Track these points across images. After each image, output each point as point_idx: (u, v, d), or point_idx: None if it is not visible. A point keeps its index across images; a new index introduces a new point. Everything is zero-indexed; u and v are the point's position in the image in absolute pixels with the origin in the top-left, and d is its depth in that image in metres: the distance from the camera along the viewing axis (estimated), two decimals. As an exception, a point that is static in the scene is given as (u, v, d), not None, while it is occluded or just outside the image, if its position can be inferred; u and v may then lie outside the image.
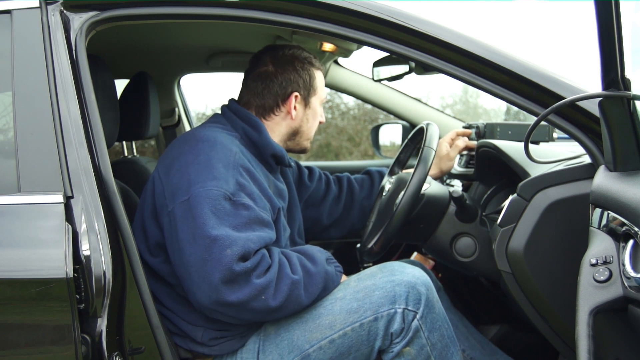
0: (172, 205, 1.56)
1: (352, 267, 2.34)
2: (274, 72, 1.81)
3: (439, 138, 1.96)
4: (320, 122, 1.92)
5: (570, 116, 1.48)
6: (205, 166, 1.57)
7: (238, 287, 1.48)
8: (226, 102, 1.85)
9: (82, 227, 1.37)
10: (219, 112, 1.85)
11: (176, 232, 1.54)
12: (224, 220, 1.50)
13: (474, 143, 2.16)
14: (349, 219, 2.18)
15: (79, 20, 1.50)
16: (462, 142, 2.19)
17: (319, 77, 1.87)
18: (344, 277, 1.71)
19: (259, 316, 1.55)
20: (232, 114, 1.80)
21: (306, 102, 1.84)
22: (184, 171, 1.58)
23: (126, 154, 2.72)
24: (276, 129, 1.83)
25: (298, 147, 1.89)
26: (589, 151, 1.48)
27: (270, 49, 1.87)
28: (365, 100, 3.03)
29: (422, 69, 2.42)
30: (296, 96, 1.81)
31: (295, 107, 1.82)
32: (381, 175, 2.23)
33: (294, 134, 1.85)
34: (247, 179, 1.61)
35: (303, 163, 2.24)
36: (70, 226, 1.35)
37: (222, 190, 1.53)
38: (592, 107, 1.43)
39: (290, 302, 1.55)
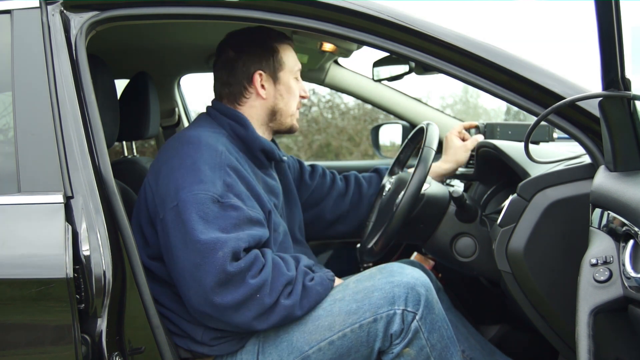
0: (162, 213, 1.56)
1: (352, 267, 2.35)
2: (235, 57, 1.78)
3: (439, 137, 1.95)
4: (302, 97, 1.84)
5: (570, 116, 1.48)
6: (192, 170, 1.56)
7: (233, 287, 1.48)
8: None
9: (82, 227, 1.37)
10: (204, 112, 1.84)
11: (168, 238, 1.54)
12: (213, 224, 1.50)
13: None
14: (357, 214, 2.14)
15: (79, 20, 1.50)
16: (472, 142, 2.11)
17: (284, 50, 1.81)
18: (338, 281, 1.69)
19: (255, 314, 1.52)
20: (216, 112, 1.78)
21: (274, 78, 1.80)
22: (171, 177, 1.58)
23: (126, 154, 2.72)
24: (254, 113, 1.79)
25: (283, 127, 1.83)
26: (589, 151, 1.48)
27: (230, 35, 1.83)
28: (365, 100, 3.03)
29: (422, 69, 2.42)
30: (260, 74, 1.78)
31: (263, 86, 1.78)
32: None
33: (273, 114, 1.81)
34: (234, 179, 1.59)
35: (307, 162, 2.22)
36: (70, 226, 1.35)
37: (209, 193, 1.53)
38: (592, 107, 1.43)
39: (284, 303, 1.54)
